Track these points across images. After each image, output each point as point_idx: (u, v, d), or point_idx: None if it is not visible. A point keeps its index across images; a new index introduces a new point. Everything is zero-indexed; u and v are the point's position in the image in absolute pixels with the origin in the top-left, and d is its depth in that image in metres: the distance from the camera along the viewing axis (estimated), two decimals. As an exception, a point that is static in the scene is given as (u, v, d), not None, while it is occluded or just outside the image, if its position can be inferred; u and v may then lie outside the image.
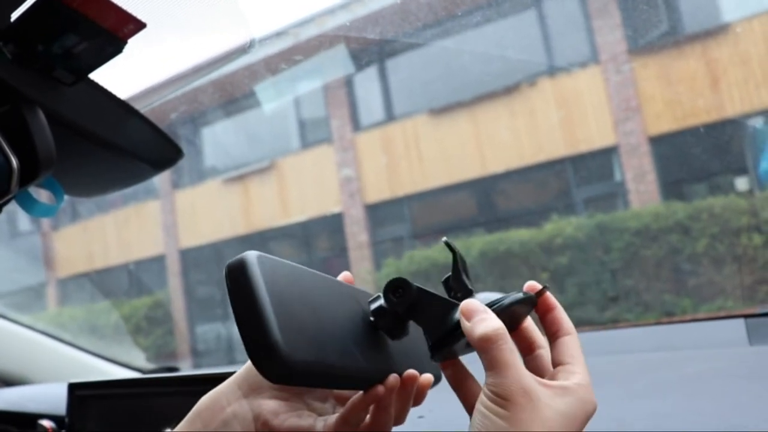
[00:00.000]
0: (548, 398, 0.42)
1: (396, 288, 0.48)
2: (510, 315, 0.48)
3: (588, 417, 0.43)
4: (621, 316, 4.64)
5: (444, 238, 0.50)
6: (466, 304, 0.46)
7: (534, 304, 0.50)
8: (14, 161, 0.50)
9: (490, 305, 0.46)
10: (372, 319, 0.51)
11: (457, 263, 0.50)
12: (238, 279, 0.42)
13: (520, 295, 0.48)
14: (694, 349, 0.81)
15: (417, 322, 0.49)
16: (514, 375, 0.42)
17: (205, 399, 0.52)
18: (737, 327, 0.81)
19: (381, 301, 0.50)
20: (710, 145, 5.04)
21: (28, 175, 0.51)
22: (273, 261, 0.45)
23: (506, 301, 0.47)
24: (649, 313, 4.68)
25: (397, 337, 0.51)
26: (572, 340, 0.47)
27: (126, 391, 0.76)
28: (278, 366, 0.40)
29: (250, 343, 0.41)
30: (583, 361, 0.45)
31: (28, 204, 0.57)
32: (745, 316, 0.83)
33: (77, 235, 7.64)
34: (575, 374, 0.44)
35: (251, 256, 0.44)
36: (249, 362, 0.52)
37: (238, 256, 0.44)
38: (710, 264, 4.55)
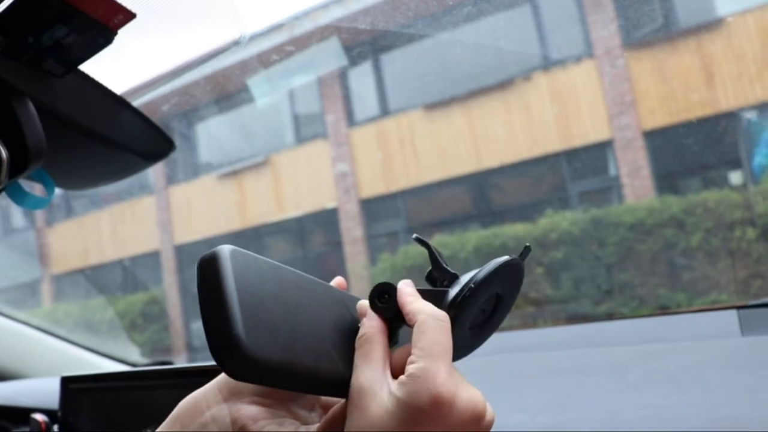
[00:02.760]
0: (382, 394, 0.41)
1: (381, 293, 0.47)
2: (498, 282, 0.48)
3: (428, 407, 0.40)
4: (616, 311, 4.65)
5: (414, 235, 0.50)
6: (358, 306, 0.47)
7: (519, 264, 0.50)
8: (3, 152, 0.50)
9: (469, 281, 0.46)
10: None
11: (434, 253, 0.49)
12: (207, 272, 0.41)
13: (499, 261, 0.48)
14: (686, 340, 0.81)
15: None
16: (356, 375, 0.43)
17: (185, 401, 0.51)
18: (730, 318, 0.81)
19: None
20: (705, 140, 5.05)
21: (18, 167, 0.51)
22: (248, 256, 0.44)
23: (481, 274, 0.47)
24: (644, 307, 4.69)
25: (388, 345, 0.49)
26: (417, 329, 0.44)
27: (119, 384, 0.75)
28: (240, 362, 0.38)
29: (211, 336, 0.39)
30: (429, 349, 0.43)
31: (19, 196, 0.56)
32: (738, 308, 0.83)
33: (72, 231, 7.63)
34: (412, 364, 0.42)
35: (224, 249, 0.42)
36: None
37: (212, 250, 0.43)
38: (704, 258, 4.57)
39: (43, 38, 0.54)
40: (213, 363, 0.67)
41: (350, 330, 0.48)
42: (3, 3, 0.55)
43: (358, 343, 0.45)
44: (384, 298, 0.47)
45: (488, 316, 0.51)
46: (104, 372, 0.80)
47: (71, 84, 0.60)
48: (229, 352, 0.38)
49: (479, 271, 0.47)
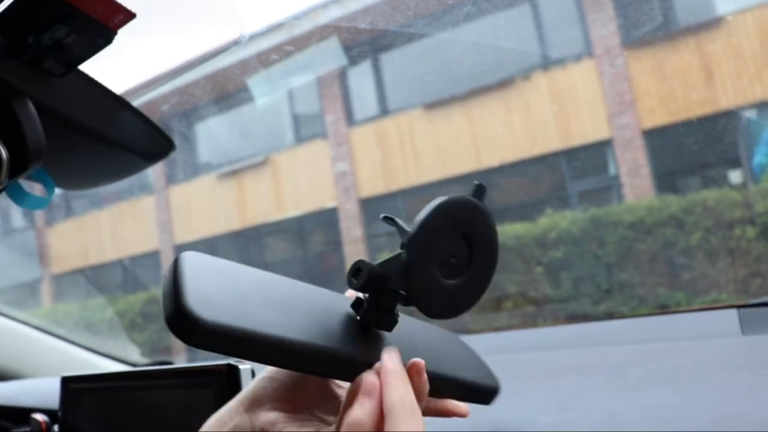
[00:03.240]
0: None
1: (356, 271, 0.47)
2: (455, 224, 0.47)
3: None
4: (616, 310, 4.65)
5: (382, 215, 0.49)
6: (358, 381, 0.45)
7: (474, 204, 0.48)
8: (3, 152, 0.50)
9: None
10: (357, 316, 0.50)
11: (400, 226, 0.48)
12: (170, 269, 0.45)
13: (437, 201, 0.46)
14: (686, 340, 0.81)
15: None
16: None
17: (211, 419, 0.52)
18: (730, 317, 0.81)
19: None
20: (704, 139, 5.05)
21: (18, 167, 0.51)
22: (212, 258, 0.48)
23: (420, 216, 0.46)
24: (644, 306, 4.69)
25: (386, 327, 0.49)
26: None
27: (120, 384, 0.76)
28: (188, 325, 0.40)
29: (165, 308, 0.42)
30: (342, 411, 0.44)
31: (19, 196, 0.56)
32: (738, 307, 0.83)
33: (72, 230, 7.62)
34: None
35: (188, 252, 0.47)
36: (253, 379, 0.53)
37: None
38: (704, 257, 4.57)
39: (43, 38, 0.54)
40: (213, 362, 0.67)
41: (348, 320, 0.49)
42: (3, 3, 0.55)
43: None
44: (358, 275, 0.47)
45: (466, 263, 0.49)
46: (105, 372, 0.80)
47: (71, 84, 0.60)
48: (178, 315, 0.41)
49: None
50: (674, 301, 4.62)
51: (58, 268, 7.90)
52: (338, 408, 0.50)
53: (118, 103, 0.63)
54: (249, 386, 0.52)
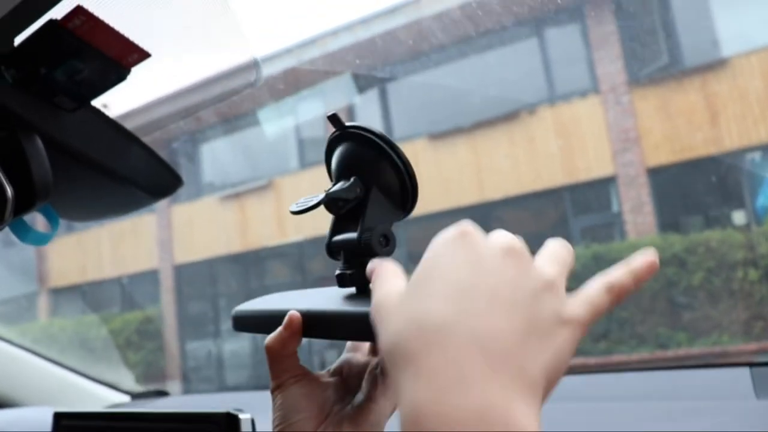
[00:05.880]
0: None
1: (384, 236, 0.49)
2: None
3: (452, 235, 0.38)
4: (615, 348, 4.61)
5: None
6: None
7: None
8: (9, 190, 0.49)
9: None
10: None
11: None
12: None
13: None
14: (696, 399, 0.79)
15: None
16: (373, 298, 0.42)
17: None
18: (742, 377, 0.78)
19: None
20: (708, 179, 5.06)
21: (23, 205, 0.50)
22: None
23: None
24: (644, 346, 4.65)
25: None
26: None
27: (115, 425, 0.74)
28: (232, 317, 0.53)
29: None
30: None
31: (22, 232, 0.55)
32: (750, 365, 0.81)
33: (71, 246, 7.61)
34: None
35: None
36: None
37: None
38: (706, 298, 4.54)
39: (56, 73, 0.54)
40: (212, 410, 0.65)
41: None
42: (19, 36, 0.54)
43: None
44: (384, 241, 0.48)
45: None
46: (99, 411, 0.78)
47: (81, 118, 0.60)
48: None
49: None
50: (675, 342, 4.58)
51: (55, 283, 7.87)
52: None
53: (128, 138, 0.62)
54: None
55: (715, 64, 5.21)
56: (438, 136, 6.21)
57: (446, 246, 0.37)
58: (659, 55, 5.09)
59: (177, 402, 1.38)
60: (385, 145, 0.49)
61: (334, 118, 0.49)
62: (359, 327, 0.43)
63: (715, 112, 5.11)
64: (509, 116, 5.77)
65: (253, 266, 7.38)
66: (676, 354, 4.46)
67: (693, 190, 5.27)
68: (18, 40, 0.54)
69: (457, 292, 0.33)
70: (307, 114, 5.39)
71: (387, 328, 0.35)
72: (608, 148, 5.49)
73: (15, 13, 0.49)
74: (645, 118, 5.44)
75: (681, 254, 4.71)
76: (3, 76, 0.53)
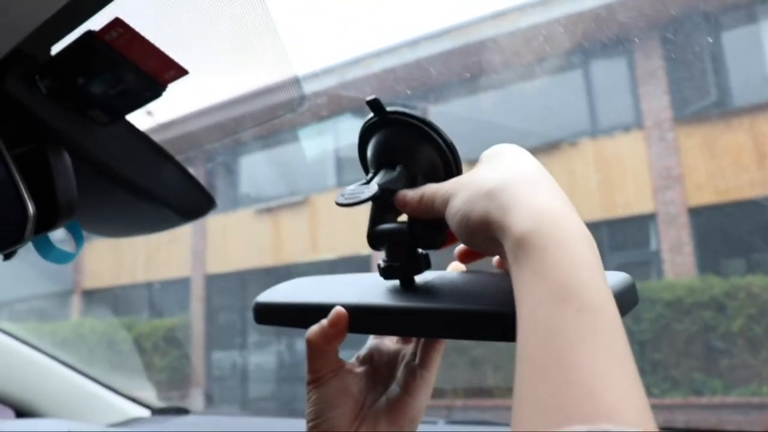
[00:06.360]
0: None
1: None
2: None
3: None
4: (647, 391, 4.47)
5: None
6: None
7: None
8: (31, 208, 0.47)
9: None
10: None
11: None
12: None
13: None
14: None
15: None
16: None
17: None
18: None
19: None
20: (752, 221, 4.90)
21: (45, 223, 0.48)
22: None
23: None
24: (677, 390, 4.50)
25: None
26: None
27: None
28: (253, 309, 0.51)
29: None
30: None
31: (45, 249, 0.53)
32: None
33: (106, 248, 7.72)
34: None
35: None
36: None
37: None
38: (745, 345, 4.38)
39: (91, 86, 0.52)
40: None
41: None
42: (55, 47, 0.53)
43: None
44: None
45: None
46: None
47: (113, 132, 0.58)
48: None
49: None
50: (710, 389, 4.42)
51: (89, 284, 7.99)
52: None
53: (160, 155, 0.60)
54: None
55: (765, 105, 5.08)
56: (472, 162, 6.16)
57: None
58: (707, 92, 4.99)
59: (197, 421, 1.36)
60: (430, 130, 0.46)
61: (374, 103, 0.46)
62: (426, 324, 0.43)
63: (762, 154, 4.98)
64: (550, 147, 5.70)
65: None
66: (710, 401, 4.30)
67: (735, 232, 5.12)
68: (54, 50, 0.52)
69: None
70: (348, 135, 5.41)
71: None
72: (649, 185, 5.38)
73: (53, 22, 0.47)
74: (689, 156, 5.32)
75: (720, 298, 4.56)
76: (37, 86, 0.52)
